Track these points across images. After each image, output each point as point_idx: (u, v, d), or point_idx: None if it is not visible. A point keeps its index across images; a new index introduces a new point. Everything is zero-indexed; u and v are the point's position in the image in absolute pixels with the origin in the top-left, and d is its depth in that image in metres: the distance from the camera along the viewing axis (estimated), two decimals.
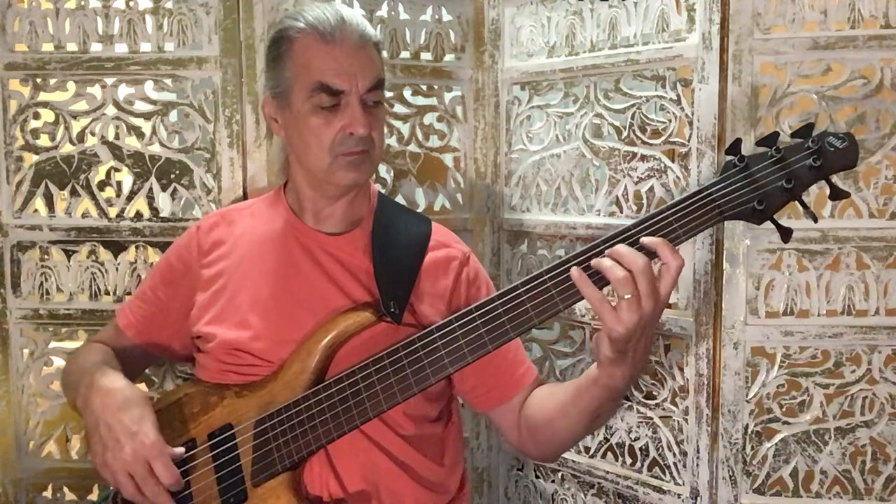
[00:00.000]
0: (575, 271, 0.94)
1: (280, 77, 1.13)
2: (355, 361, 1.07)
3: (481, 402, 1.20)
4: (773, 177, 0.94)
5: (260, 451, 1.07)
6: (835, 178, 0.96)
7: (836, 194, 0.97)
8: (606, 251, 0.94)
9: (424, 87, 1.61)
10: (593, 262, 0.94)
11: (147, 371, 1.48)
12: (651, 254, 0.93)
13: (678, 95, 1.37)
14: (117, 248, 1.51)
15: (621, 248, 0.93)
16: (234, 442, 1.10)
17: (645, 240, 0.93)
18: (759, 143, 0.96)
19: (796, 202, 0.96)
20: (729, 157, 0.97)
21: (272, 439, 1.07)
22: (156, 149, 1.50)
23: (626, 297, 0.90)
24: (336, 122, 1.10)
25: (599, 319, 0.93)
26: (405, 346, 1.04)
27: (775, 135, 0.96)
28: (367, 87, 1.11)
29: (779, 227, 0.96)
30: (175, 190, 1.50)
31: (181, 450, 1.08)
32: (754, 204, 0.94)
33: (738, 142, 0.97)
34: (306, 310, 1.13)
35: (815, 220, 0.99)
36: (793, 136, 0.95)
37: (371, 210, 1.22)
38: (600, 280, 0.94)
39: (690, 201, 0.96)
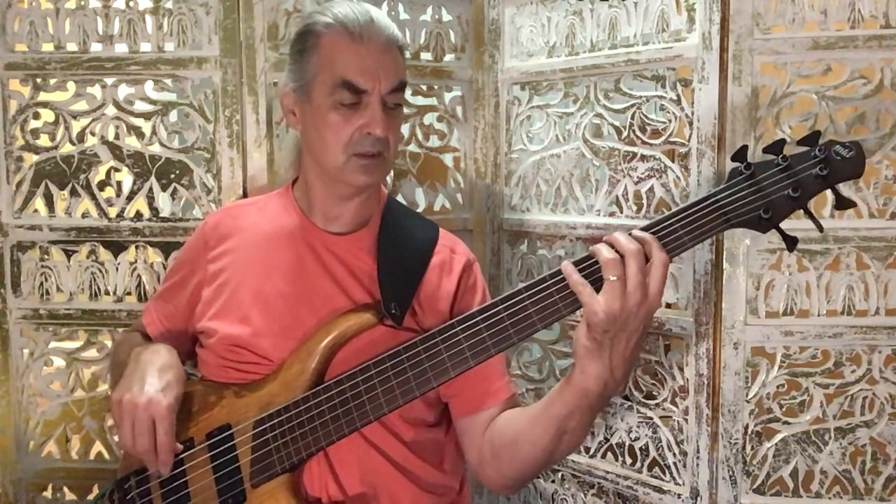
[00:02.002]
0: (566, 263, 0.95)
1: (303, 70, 1.13)
2: (355, 363, 1.07)
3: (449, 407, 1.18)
4: (780, 185, 0.94)
5: (259, 451, 1.07)
6: (840, 187, 0.96)
7: (842, 203, 0.96)
8: (604, 238, 0.94)
9: (424, 87, 1.61)
10: (591, 248, 0.94)
11: None
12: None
13: (678, 95, 1.37)
14: (117, 248, 1.51)
15: (617, 234, 0.93)
16: (232, 442, 1.09)
17: (634, 232, 0.94)
18: (765, 150, 0.96)
19: (802, 210, 0.96)
20: (735, 164, 0.96)
21: (271, 440, 1.07)
22: (156, 149, 1.50)
23: (612, 278, 0.90)
24: (355, 120, 1.10)
25: (581, 303, 0.92)
26: (407, 349, 1.04)
27: (782, 142, 0.95)
28: (390, 88, 1.10)
29: (784, 236, 0.96)
30: (175, 190, 1.50)
31: (179, 446, 1.08)
32: (760, 212, 0.94)
33: (744, 149, 0.96)
34: (308, 309, 1.13)
35: (821, 230, 0.98)
36: (799, 143, 0.95)
37: (379, 211, 1.22)
38: (595, 280, 0.93)
39: (696, 208, 0.95)
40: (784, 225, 0.96)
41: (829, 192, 0.96)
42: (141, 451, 1.05)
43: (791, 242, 0.96)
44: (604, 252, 0.92)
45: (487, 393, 1.14)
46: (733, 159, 0.96)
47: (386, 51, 1.11)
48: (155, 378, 1.08)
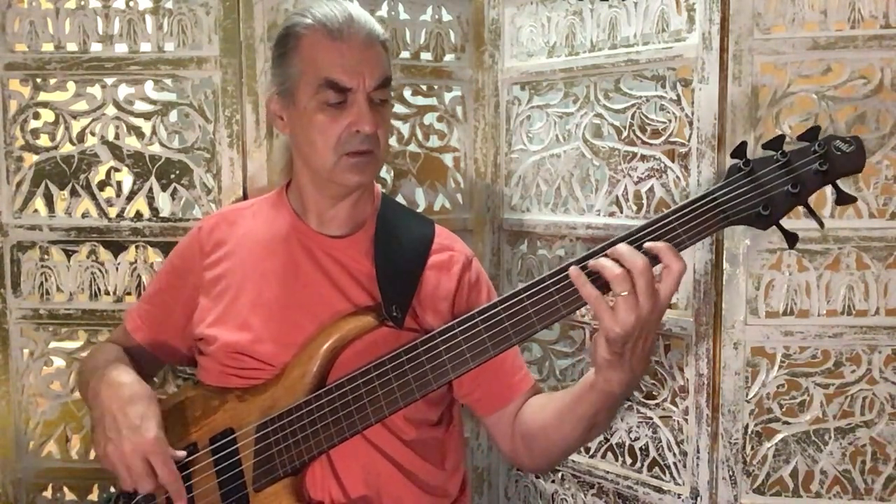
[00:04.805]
0: (573, 270, 0.93)
1: (286, 73, 1.13)
2: (357, 366, 1.07)
3: (475, 408, 1.20)
4: (779, 181, 0.93)
5: (261, 455, 1.07)
6: (840, 182, 0.95)
7: (843, 199, 0.95)
8: (607, 251, 0.93)
9: (424, 87, 1.61)
10: (590, 262, 0.93)
11: None
12: (654, 258, 0.91)
13: (678, 95, 1.37)
14: (117, 248, 1.51)
15: (621, 248, 0.92)
16: (235, 447, 1.09)
17: (648, 244, 0.92)
18: (765, 147, 0.95)
19: (801, 207, 0.96)
20: (734, 161, 0.95)
21: (274, 444, 1.07)
22: (156, 149, 1.50)
23: (623, 293, 0.89)
24: (342, 119, 1.09)
25: (597, 319, 0.92)
26: (407, 351, 1.04)
27: (781, 138, 0.94)
28: (375, 84, 1.10)
29: (785, 232, 0.95)
30: (175, 190, 1.50)
31: (182, 453, 1.08)
32: (759, 209, 0.93)
33: (743, 145, 0.95)
34: (308, 313, 1.13)
35: (822, 226, 0.98)
36: (799, 139, 0.94)
37: (374, 212, 1.21)
38: (599, 282, 0.93)
39: (695, 206, 0.94)
40: (784, 224, 0.96)
41: (829, 189, 0.96)
42: (148, 491, 1.04)
43: (791, 239, 0.95)
44: (613, 269, 0.90)
45: (511, 387, 1.17)
46: (732, 156, 0.95)
47: (368, 47, 1.10)
48: (128, 415, 1.05)
